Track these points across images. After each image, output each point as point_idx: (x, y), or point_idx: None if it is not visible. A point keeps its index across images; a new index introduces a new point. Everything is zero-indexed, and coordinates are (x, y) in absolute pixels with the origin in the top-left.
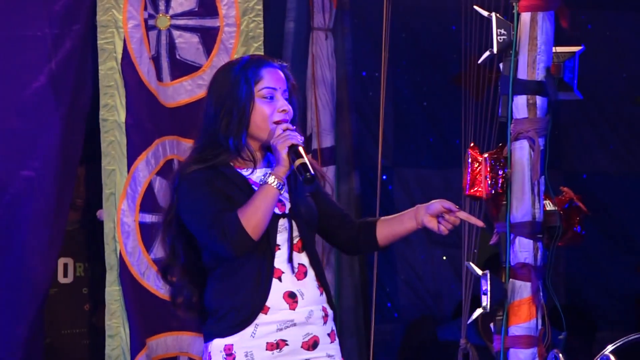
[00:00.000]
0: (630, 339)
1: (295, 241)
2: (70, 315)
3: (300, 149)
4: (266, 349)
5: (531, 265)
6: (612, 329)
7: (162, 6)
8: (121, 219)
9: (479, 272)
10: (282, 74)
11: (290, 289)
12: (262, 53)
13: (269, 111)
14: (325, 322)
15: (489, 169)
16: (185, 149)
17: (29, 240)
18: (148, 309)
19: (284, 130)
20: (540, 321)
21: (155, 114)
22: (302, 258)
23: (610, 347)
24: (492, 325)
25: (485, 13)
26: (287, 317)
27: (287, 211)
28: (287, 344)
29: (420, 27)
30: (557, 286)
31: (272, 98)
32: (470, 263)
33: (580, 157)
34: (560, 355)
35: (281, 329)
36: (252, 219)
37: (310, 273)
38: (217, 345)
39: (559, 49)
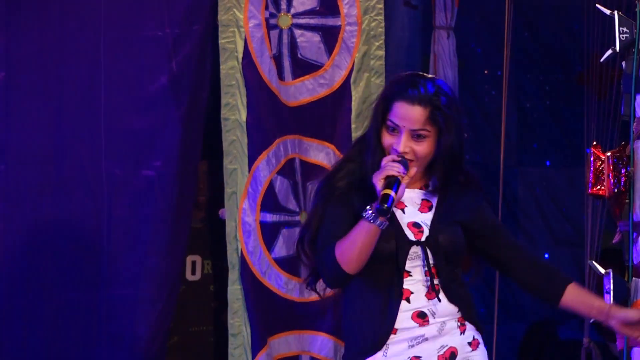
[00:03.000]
0: None
1: (428, 268)
2: (198, 313)
3: (394, 179)
4: None
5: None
6: None
7: (284, 5)
8: (242, 218)
9: (602, 270)
10: (416, 112)
11: (420, 308)
12: (383, 52)
13: (387, 142)
14: (462, 332)
15: (611, 167)
16: (307, 148)
17: (151, 239)
18: (269, 308)
19: (387, 162)
20: None
21: (276, 113)
22: (435, 280)
23: None
24: None
25: (607, 11)
26: (417, 334)
27: (422, 239)
28: None
29: (542, 26)
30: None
31: (394, 130)
32: (594, 262)
33: None
34: None
35: (413, 346)
36: (346, 253)
37: (441, 293)
38: None
39: None
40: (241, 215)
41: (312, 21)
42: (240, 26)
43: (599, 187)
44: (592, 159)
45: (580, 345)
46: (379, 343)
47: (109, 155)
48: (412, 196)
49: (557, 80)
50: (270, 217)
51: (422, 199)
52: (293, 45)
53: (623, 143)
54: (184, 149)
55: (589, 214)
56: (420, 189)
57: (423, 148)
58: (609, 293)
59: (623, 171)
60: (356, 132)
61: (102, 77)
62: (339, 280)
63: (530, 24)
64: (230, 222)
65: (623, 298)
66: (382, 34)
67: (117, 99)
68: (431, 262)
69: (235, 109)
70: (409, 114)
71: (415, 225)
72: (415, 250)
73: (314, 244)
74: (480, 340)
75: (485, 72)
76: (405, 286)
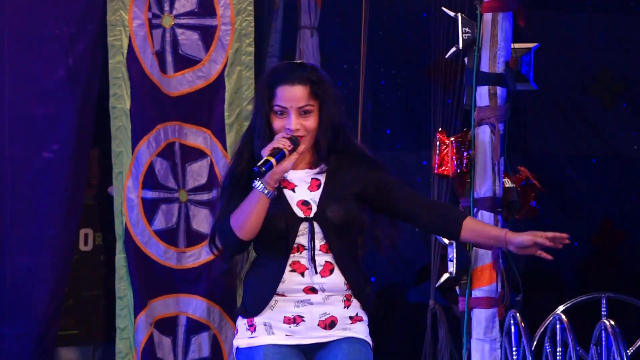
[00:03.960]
0: (578, 300)
1: (320, 243)
2: (90, 279)
3: (279, 150)
4: (283, 322)
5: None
6: (563, 292)
7: (166, 7)
8: (127, 195)
9: (446, 241)
10: (298, 91)
11: (312, 284)
12: (253, 49)
13: (277, 126)
14: (346, 307)
15: (455, 150)
16: (186, 133)
17: (50, 213)
18: (150, 274)
19: (278, 138)
20: (499, 285)
21: (157, 102)
22: (327, 257)
23: (561, 307)
24: (457, 288)
25: (451, 14)
26: (303, 298)
27: (311, 215)
28: (303, 320)
29: (395, 26)
30: (516, 255)
31: (282, 114)
32: (440, 237)
33: (536, 141)
34: (517, 314)
35: (298, 306)
36: (239, 220)
37: (337, 271)
38: (241, 322)
39: (517, 45)
40: (126, 192)
41: (192, 21)
42: (125, 25)
43: (444, 168)
44: (437, 143)
45: (426, 307)
46: (268, 303)
47: (12, 139)
48: (301, 176)
49: (408, 74)
50: (151, 194)
51: (312, 178)
52: (175, 42)
53: (465, 129)
54: (79, 134)
55: (435, 192)
56: (310, 168)
57: (311, 122)
58: (452, 261)
59: (465, 154)
60: (229, 119)
61: (7, 68)
62: (235, 247)
63: (385, 24)
64: (117, 198)
65: (465, 265)
66: (252, 32)
67: (20, 89)
68: (321, 237)
69: (121, 98)
70: (293, 94)
71: (305, 204)
72: (304, 226)
73: (215, 225)
74: (365, 318)
75: (345, 66)
76: (297, 260)
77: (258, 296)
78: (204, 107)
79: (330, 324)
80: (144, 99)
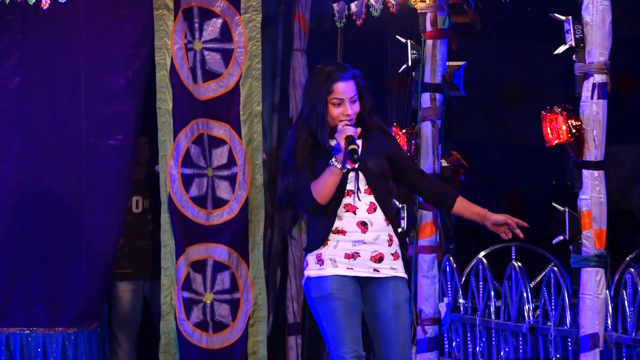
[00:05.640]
0: (495, 248)
1: (364, 187)
2: (141, 233)
3: (353, 138)
4: (344, 257)
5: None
6: (484, 242)
7: (197, 35)
8: (170, 172)
9: (399, 204)
10: (350, 85)
11: (362, 219)
12: (260, 65)
13: (335, 113)
14: (390, 245)
15: (406, 139)
16: (212, 127)
17: (114, 186)
18: (187, 228)
19: (343, 127)
20: (438, 236)
21: (191, 104)
22: (371, 198)
23: (482, 253)
24: (407, 239)
25: (403, 40)
26: (359, 238)
27: (356, 167)
28: (359, 255)
29: (362, 47)
30: (448, 214)
31: (339, 104)
32: (394, 200)
33: (464, 132)
34: (451, 258)
35: (355, 245)
36: (320, 190)
37: (379, 209)
38: (310, 257)
39: (450, 63)
40: (169, 169)
41: (216, 45)
42: (168, 48)
43: None
44: (393, 134)
45: None
46: (329, 238)
47: (87, 131)
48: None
49: (371, 84)
50: (188, 171)
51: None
52: (203, 61)
53: (413, 124)
54: (136, 127)
55: None
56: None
57: (357, 106)
58: (404, 219)
59: (413, 142)
60: (243, 117)
61: (83, 78)
62: (315, 209)
63: (355, 47)
64: (162, 174)
65: (413, 222)
66: (260, 54)
67: (93, 94)
68: (365, 183)
69: (165, 102)
70: (347, 88)
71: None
72: (352, 175)
73: (292, 195)
74: (400, 255)
75: None
76: (349, 202)
77: (321, 232)
78: (225, 108)
79: (379, 259)
80: (182, 102)
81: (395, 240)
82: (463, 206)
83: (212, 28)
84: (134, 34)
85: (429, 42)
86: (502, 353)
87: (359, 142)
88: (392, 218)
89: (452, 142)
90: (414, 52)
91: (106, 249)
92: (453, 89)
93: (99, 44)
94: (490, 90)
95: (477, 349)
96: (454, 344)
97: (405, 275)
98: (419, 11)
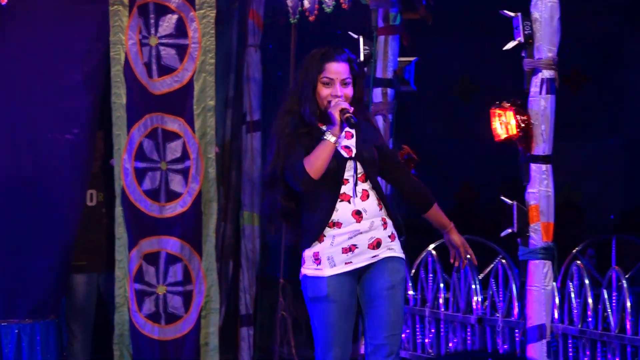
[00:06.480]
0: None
1: (359, 175)
2: (95, 226)
3: (346, 109)
4: (342, 253)
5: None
6: (433, 234)
7: (152, 31)
8: (123, 165)
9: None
10: (343, 67)
11: (357, 208)
12: (214, 60)
13: (324, 93)
14: (385, 228)
15: None
16: (166, 121)
17: (72, 180)
18: (140, 221)
19: (336, 102)
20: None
21: (145, 99)
22: (365, 186)
23: (432, 245)
24: None
25: (355, 36)
26: (355, 228)
27: (353, 155)
28: (357, 247)
29: (315, 44)
30: (399, 205)
31: (328, 84)
32: None
33: (415, 126)
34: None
35: (351, 237)
36: (313, 164)
37: (372, 195)
38: (308, 254)
39: (402, 59)
40: (122, 163)
41: (171, 41)
42: (122, 44)
43: None
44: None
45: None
46: (324, 233)
47: (46, 126)
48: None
49: None
50: (141, 164)
51: (346, 131)
52: (158, 56)
53: None
54: (92, 121)
55: None
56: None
57: (349, 90)
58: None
59: None
60: (197, 111)
61: (40, 73)
62: (306, 184)
63: (308, 43)
64: (117, 167)
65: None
66: (214, 49)
67: (49, 88)
68: (361, 171)
69: (120, 96)
70: (339, 69)
71: (347, 147)
72: (349, 164)
73: (283, 171)
74: (396, 235)
75: (279, 74)
76: (345, 191)
77: (317, 226)
78: (179, 102)
79: (376, 244)
80: (135, 96)
81: (389, 222)
82: (436, 213)
83: (168, 24)
84: (91, 29)
85: (381, 38)
86: (450, 344)
87: (351, 131)
88: (384, 201)
89: (404, 135)
90: (366, 47)
91: (64, 242)
92: (404, 84)
93: (56, 39)
94: (442, 85)
95: (426, 340)
96: (403, 335)
97: (402, 255)
98: (370, 8)
